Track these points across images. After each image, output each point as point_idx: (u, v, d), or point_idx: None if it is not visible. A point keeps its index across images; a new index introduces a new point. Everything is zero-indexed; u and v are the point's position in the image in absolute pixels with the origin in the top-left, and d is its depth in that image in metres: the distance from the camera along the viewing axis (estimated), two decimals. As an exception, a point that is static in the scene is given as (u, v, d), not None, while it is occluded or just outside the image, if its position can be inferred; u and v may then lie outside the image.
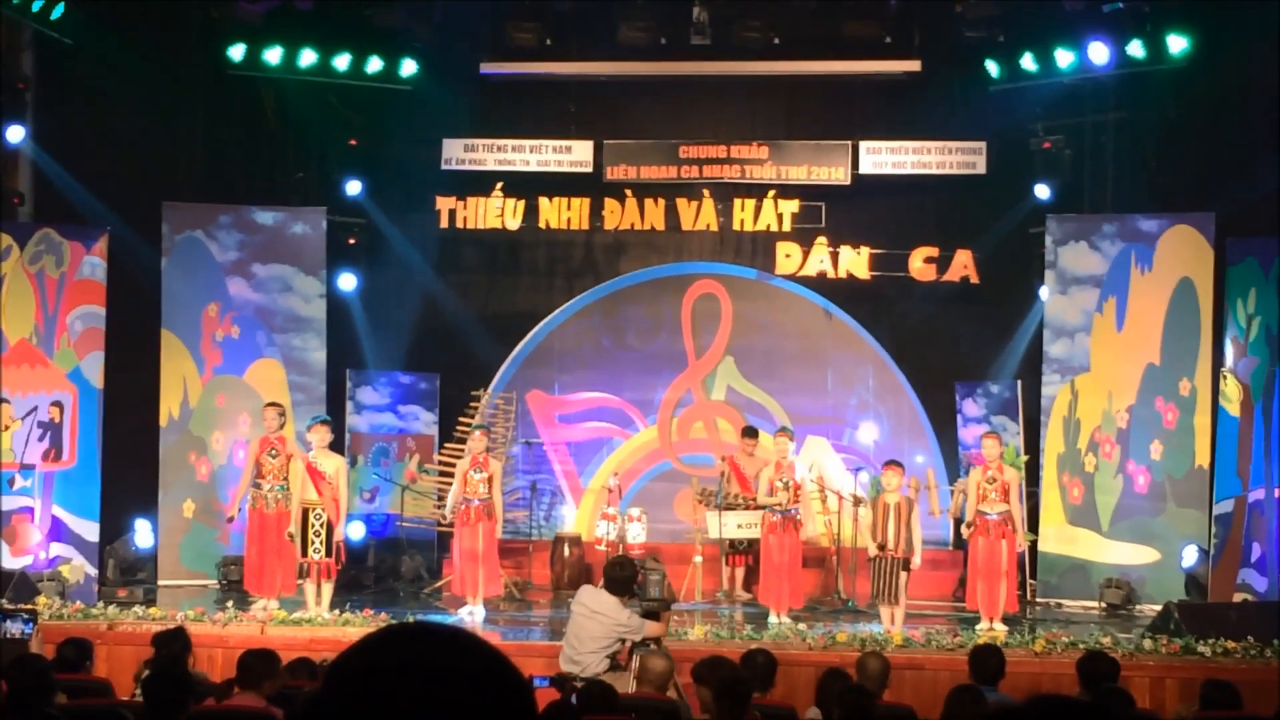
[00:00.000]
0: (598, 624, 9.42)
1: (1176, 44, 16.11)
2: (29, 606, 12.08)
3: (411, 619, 13.42)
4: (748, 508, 15.97)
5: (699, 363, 19.17)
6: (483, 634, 11.63)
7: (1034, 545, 16.50)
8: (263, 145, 18.41)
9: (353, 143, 18.60)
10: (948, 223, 18.41)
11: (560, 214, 18.55)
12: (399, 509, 17.54)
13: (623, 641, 9.65)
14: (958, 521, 15.93)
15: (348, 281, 18.48)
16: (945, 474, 17.96)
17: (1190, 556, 15.59)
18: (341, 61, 17.67)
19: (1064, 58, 16.79)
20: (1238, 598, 14.48)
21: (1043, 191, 17.50)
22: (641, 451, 19.08)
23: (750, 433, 17.20)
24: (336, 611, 13.80)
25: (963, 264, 18.00)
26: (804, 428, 18.18)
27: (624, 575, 9.61)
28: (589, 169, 18.34)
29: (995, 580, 14.17)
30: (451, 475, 15.96)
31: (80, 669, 9.10)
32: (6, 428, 15.30)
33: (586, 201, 18.54)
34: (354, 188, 18.43)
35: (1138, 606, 15.78)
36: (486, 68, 17.92)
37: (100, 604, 14.09)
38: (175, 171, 17.76)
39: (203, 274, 17.35)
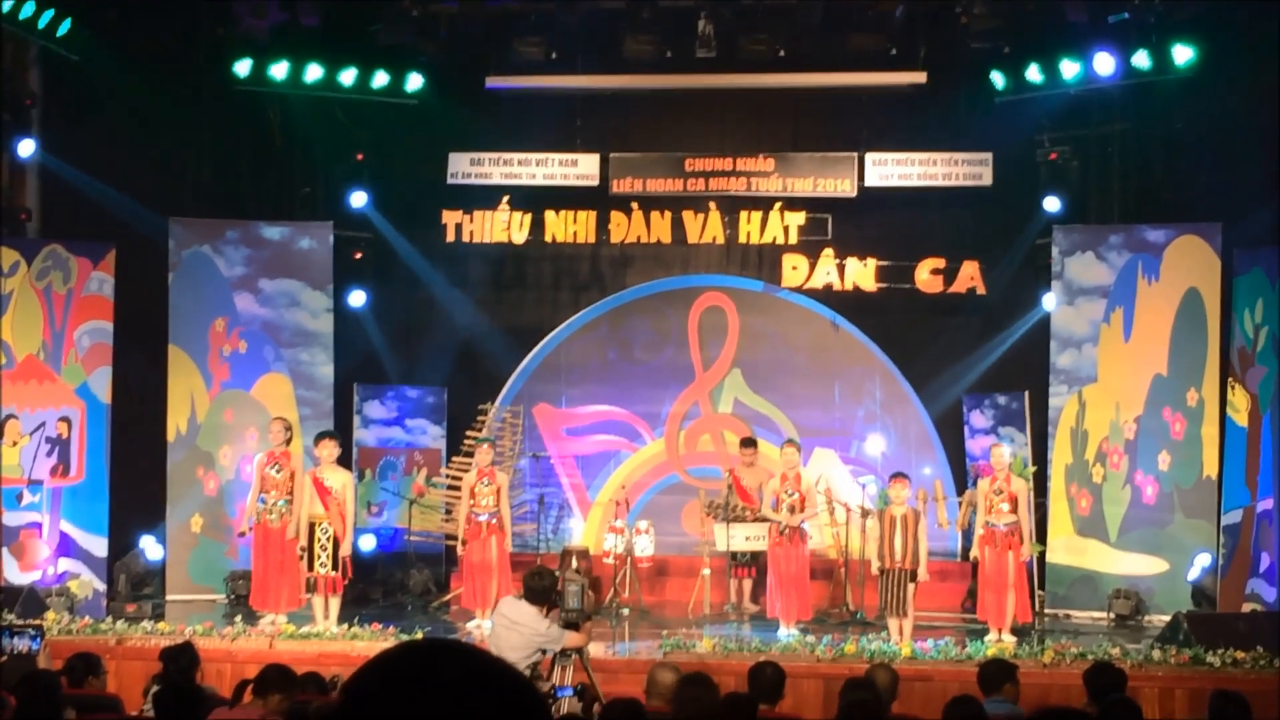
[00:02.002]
0: (518, 635, 9.38)
1: (1182, 54, 16.10)
2: (36, 622, 12.09)
3: (420, 633, 13.43)
4: (750, 520, 15.97)
5: (706, 375, 19.17)
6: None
7: (1042, 556, 16.49)
8: (269, 160, 18.44)
9: (359, 157, 18.59)
10: (954, 234, 18.40)
11: (566, 227, 18.56)
12: (407, 523, 17.54)
13: (544, 652, 9.62)
14: (966, 533, 15.94)
15: (357, 299, 18.51)
16: (953, 485, 17.93)
17: (1202, 564, 15.57)
18: (347, 76, 17.70)
19: (1069, 69, 16.78)
20: (1247, 608, 14.46)
21: (1052, 204, 17.45)
22: (649, 464, 19.08)
23: (749, 443, 17.13)
24: (345, 626, 13.79)
25: (969, 275, 17.99)
26: (811, 440, 18.18)
27: (542, 585, 9.56)
28: (595, 182, 18.35)
29: (1003, 591, 14.17)
30: (459, 489, 15.96)
31: (89, 684, 9.11)
32: (14, 443, 15.33)
33: (593, 215, 18.53)
34: (359, 199, 18.42)
35: (1146, 617, 15.78)
36: (492, 82, 17.93)
37: (109, 619, 14.07)
38: (182, 187, 17.80)
39: (210, 289, 17.36)
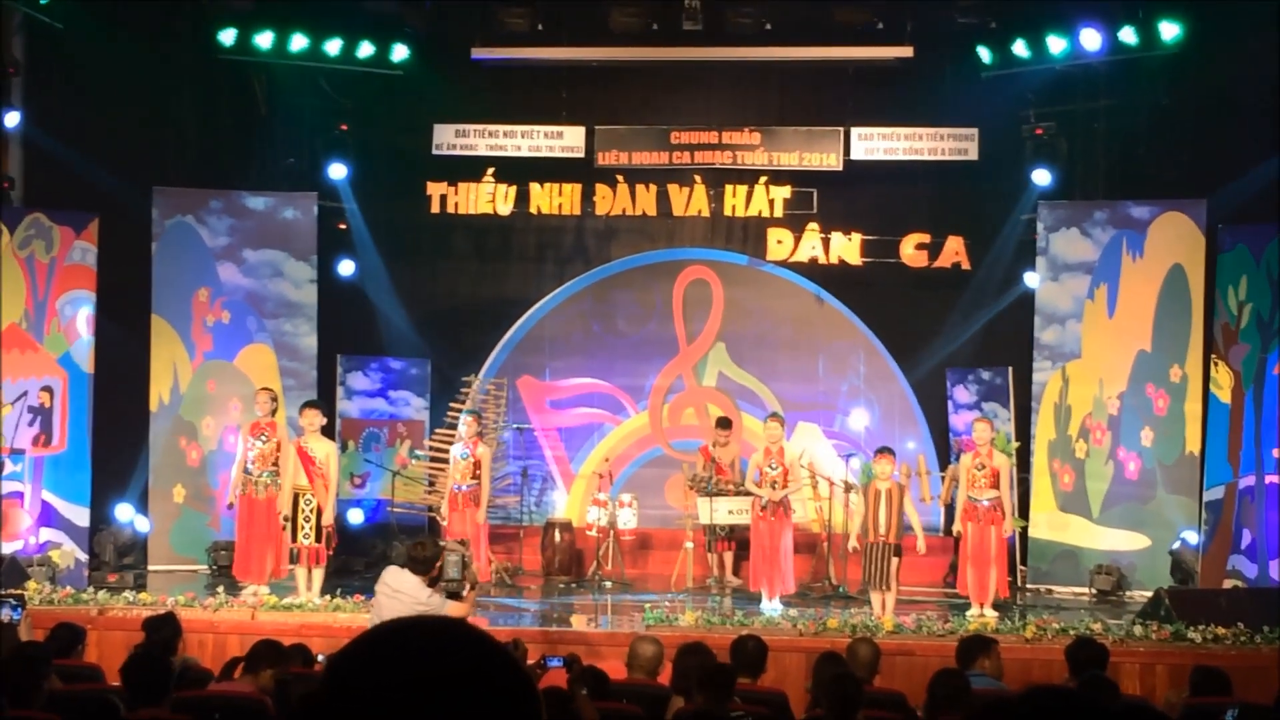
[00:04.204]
0: (399, 604, 9.37)
1: (1169, 31, 16.10)
2: (17, 592, 12.06)
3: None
4: (733, 494, 15.94)
5: (690, 349, 19.16)
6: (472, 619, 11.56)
7: (1025, 531, 16.51)
8: (254, 130, 18.38)
9: (343, 128, 18.51)
10: (939, 209, 18.40)
11: (552, 199, 18.51)
12: (390, 494, 17.53)
13: None
14: (949, 508, 15.96)
15: (346, 268, 18.48)
16: (936, 460, 17.96)
17: (1190, 540, 15.59)
18: (333, 46, 17.63)
19: (1056, 44, 16.78)
20: (1228, 584, 14.51)
21: (1042, 178, 17.39)
22: (633, 437, 19.08)
23: (724, 423, 17.05)
24: (327, 597, 13.78)
25: (954, 250, 18.00)
26: (795, 414, 18.19)
27: (425, 556, 9.58)
28: (580, 154, 18.29)
29: (985, 566, 14.19)
30: (443, 461, 15.94)
31: (72, 654, 9.10)
32: (-4, 413, 15.27)
33: (578, 187, 18.49)
34: (338, 171, 18.28)
35: (1128, 593, 15.82)
36: (478, 53, 17.86)
37: (90, 589, 14.04)
38: (166, 156, 17.73)
39: (193, 259, 17.30)
